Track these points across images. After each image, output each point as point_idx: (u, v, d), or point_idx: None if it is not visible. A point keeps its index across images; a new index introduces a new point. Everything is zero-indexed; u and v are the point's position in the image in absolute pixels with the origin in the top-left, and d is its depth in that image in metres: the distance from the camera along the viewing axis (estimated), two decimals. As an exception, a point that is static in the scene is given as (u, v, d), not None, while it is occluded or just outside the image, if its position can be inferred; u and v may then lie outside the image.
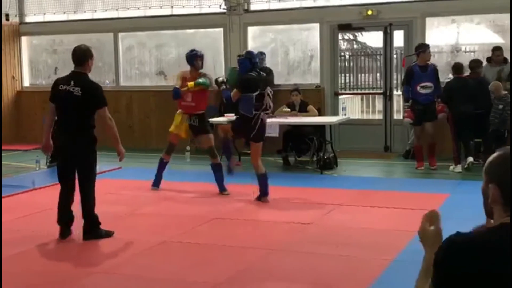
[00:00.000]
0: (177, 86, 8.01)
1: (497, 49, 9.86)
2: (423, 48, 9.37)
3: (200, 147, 8.84)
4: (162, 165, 8.29)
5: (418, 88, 9.25)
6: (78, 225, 6.25)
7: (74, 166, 5.92)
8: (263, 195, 7.40)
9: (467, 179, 8.37)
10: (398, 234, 5.91)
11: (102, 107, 5.83)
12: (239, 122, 7.61)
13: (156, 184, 8.23)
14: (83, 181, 5.95)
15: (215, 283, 4.74)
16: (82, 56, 5.89)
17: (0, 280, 4.48)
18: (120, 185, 8.59)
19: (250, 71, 7.41)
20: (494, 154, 1.96)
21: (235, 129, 7.64)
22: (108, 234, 6.03)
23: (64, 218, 5.98)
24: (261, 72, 7.67)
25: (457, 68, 9.47)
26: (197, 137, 8.40)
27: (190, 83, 7.86)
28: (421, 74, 9.26)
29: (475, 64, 9.59)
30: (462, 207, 6.37)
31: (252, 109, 7.30)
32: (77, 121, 5.81)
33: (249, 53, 7.67)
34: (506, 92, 9.37)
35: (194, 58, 8.18)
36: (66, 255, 5.63)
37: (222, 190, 7.91)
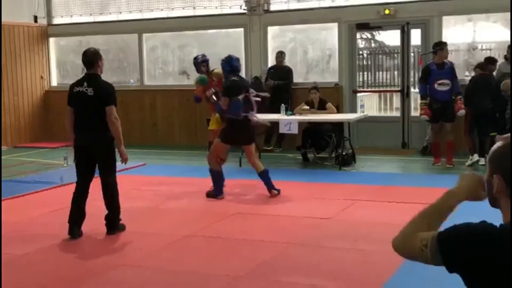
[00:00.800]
0: (196, 93, 8.37)
1: None
2: (440, 46, 9.27)
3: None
4: (216, 175, 8.15)
5: (436, 85, 9.14)
6: (93, 222, 6.31)
7: (94, 164, 5.97)
8: (271, 188, 7.39)
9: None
10: (416, 228, 5.87)
11: (109, 105, 5.84)
12: (229, 129, 7.47)
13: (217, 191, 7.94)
14: (106, 176, 6.02)
15: (236, 275, 4.76)
16: (91, 58, 5.99)
17: (0, 279, 4.53)
18: (144, 181, 8.64)
19: (232, 75, 7.46)
20: (499, 143, 1.89)
21: (227, 139, 7.49)
22: (123, 228, 6.10)
23: (77, 217, 5.98)
24: (241, 76, 7.78)
25: (481, 65, 9.40)
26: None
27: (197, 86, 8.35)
28: (438, 71, 9.16)
29: (485, 62, 9.54)
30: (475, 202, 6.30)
31: (241, 111, 7.29)
32: (92, 120, 5.88)
33: (228, 57, 7.68)
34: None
35: (197, 65, 8.38)
36: (92, 248, 5.69)
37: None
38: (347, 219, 6.39)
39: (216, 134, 8.19)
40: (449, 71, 9.22)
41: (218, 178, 7.48)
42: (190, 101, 12.48)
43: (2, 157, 9.90)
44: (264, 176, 7.44)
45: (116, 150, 6.02)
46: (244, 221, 6.46)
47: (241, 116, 7.29)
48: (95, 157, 5.94)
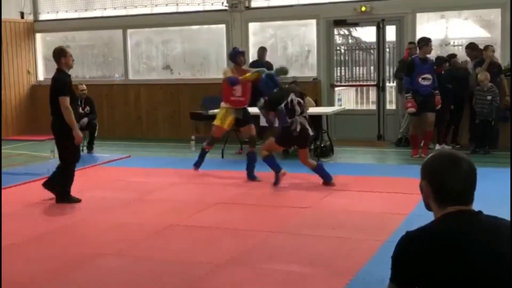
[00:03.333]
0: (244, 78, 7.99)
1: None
2: (425, 42, 9.30)
3: (241, 136, 9.06)
4: (203, 153, 8.49)
5: (420, 79, 9.19)
6: (78, 213, 6.28)
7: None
8: (328, 180, 7.46)
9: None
10: (391, 216, 5.93)
11: (60, 96, 6.42)
12: (282, 135, 7.50)
13: (197, 164, 8.46)
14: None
15: (218, 263, 4.76)
16: (53, 56, 6.69)
17: (0, 278, 4.48)
18: (129, 172, 8.60)
19: (274, 89, 7.51)
20: (430, 155, 2.08)
21: (282, 143, 7.60)
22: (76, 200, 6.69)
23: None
24: (281, 85, 7.65)
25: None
26: (241, 128, 8.50)
27: (248, 74, 7.91)
28: (422, 66, 9.20)
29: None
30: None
31: (286, 118, 7.27)
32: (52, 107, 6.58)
33: (270, 75, 7.67)
34: (492, 84, 9.39)
35: (236, 55, 8.13)
36: (77, 238, 5.64)
37: (252, 177, 7.85)
38: (325, 208, 6.41)
39: (220, 130, 8.14)
40: (431, 66, 9.27)
41: (271, 159, 7.57)
42: (173, 95, 12.47)
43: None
44: (320, 170, 7.48)
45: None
46: (226, 211, 6.46)
47: (288, 122, 7.26)
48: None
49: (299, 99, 7.32)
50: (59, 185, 6.70)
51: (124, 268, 4.79)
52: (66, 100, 6.37)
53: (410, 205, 6.17)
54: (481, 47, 10.00)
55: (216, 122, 8.27)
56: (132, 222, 6.05)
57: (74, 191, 7.17)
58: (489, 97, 9.28)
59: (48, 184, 6.83)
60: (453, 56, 10.11)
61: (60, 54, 6.56)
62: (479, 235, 1.88)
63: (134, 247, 5.28)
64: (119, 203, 6.76)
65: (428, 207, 2.05)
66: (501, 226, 1.95)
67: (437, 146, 9.83)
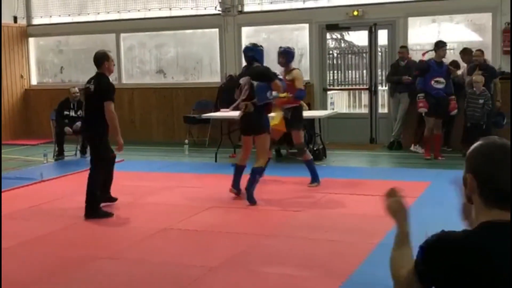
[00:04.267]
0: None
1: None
2: (439, 45, 9.32)
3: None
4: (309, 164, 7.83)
5: (432, 82, 9.22)
6: (72, 216, 6.26)
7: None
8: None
9: (449, 169, 8.39)
10: (383, 219, 5.86)
11: (106, 100, 6.32)
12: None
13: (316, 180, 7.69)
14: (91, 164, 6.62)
15: (211, 266, 4.76)
16: (96, 60, 6.55)
17: (0, 277, 4.47)
18: (123, 176, 8.54)
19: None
20: (477, 143, 1.84)
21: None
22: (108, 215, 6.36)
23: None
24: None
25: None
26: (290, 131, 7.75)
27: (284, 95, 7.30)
28: (437, 69, 9.24)
29: None
30: (441, 194, 6.37)
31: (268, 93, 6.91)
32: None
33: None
34: (484, 87, 9.43)
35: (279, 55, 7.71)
36: (71, 241, 5.63)
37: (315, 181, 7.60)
38: (318, 211, 6.43)
39: (274, 133, 7.63)
40: (446, 71, 9.30)
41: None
42: (167, 98, 12.46)
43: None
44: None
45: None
46: (219, 214, 6.46)
47: (270, 99, 6.97)
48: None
49: (252, 82, 6.79)
50: (87, 192, 6.38)
51: (117, 271, 4.79)
52: (112, 105, 6.34)
53: (402, 208, 6.18)
54: (473, 50, 10.05)
55: (271, 124, 7.81)
56: (125, 226, 6.04)
57: (67, 195, 7.16)
58: (481, 101, 9.31)
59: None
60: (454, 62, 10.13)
61: (103, 58, 6.48)
62: None
63: (128, 250, 5.27)
64: (111, 207, 6.75)
65: (470, 199, 1.84)
66: None
67: (412, 147, 10.07)
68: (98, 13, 12.88)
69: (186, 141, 10.86)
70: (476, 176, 1.78)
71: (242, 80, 6.88)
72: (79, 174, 8.91)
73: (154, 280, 4.54)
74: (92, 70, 6.74)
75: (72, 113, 10.41)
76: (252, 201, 6.69)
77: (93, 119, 6.41)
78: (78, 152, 10.52)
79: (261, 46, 7.14)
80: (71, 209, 6.69)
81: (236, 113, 10.10)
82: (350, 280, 4.40)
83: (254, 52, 6.92)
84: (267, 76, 6.84)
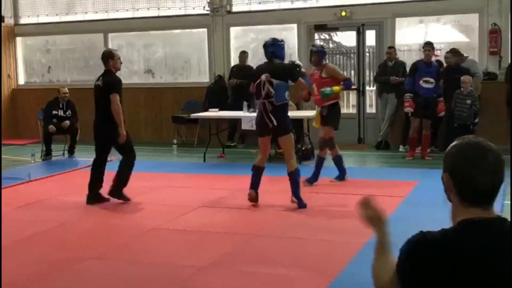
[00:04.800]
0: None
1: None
2: (426, 46, 9.36)
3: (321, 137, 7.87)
4: (319, 162, 7.81)
5: (421, 82, 9.25)
6: (61, 216, 6.24)
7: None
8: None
9: (436, 168, 8.45)
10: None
11: (113, 93, 6.73)
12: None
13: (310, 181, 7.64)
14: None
15: (201, 266, 4.76)
16: (102, 58, 7.01)
17: (0, 278, 4.45)
18: (111, 176, 8.49)
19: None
20: (452, 143, 1.86)
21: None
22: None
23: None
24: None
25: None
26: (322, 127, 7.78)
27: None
28: (425, 69, 9.27)
29: None
30: (429, 193, 6.42)
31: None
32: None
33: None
34: (472, 88, 9.50)
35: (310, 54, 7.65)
36: (61, 241, 5.61)
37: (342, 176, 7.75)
38: (307, 211, 6.45)
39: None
40: (435, 71, 9.35)
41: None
42: (155, 98, 12.44)
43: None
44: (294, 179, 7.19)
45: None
46: (209, 214, 6.46)
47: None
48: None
49: (271, 79, 6.42)
50: (119, 180, 6.83)
51: (107, 271, 4.78)
52: (117, 97, 6.73)
53: (391, 208, 6.21)
54: (462, 51, 10.13)
55: (313, 124, 7.97)
56: (114, 226, 6.03)
57: (55, 195, 7.14)
58: (468, 101, 9.38)
59: (116, 194, 6.86)
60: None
61: (108, 57, 6.92)
62: (499, 256, 1.71)
63: (117, 250, 5.27)
64: (101, 207, 6.73)
65: (450, 200, 1.86)
66: None
67: (401, 148, 10.12)
68: (86, 13, 12.82)
69: (175, 141, 10.84)
70: (452, 175, 1.80)
71: (263, 76, 6.45)
72: (67, 174, 8.89)
73: (143, 280, 4.53)
74: (78, 70, 6.76)
75: (61, 113, 10.38)
76: (302, 205, 6.44)
77: (105, 116, 6.72)
78: (65, 152, 10.48)
79: (282, 40, 6.73)
80: (59, 209, 6.66)
81: (224, 113, 10.14)
82: (338, 280, 4.42)
83: (274, 48, 6.55)
84: (290, 74, 6.54)
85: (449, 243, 1.74)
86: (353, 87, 7.55)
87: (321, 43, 12.79)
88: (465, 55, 10.01)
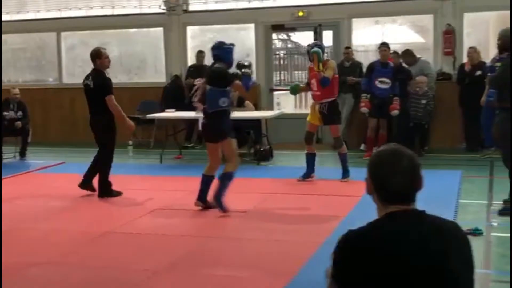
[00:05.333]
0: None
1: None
2: (382, 46, 9.47)
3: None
4: (309, 157, 7.90)
5: (376, 82, 9.35)
6: (16, 214, 6.07)
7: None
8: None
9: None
10: (328, 219, 6.00)
11: (107, 95, 6.97)
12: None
13: (306, 175, 7.84)
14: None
15: (155, 270, 4.69)
16: (90, 57, 7.20)
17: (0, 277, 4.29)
18: (63, 179, 8.37)
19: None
20: (377, 150, 2.08)
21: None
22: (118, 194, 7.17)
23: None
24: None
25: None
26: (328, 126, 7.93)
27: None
28: (381, 70, 9.37)
29: None
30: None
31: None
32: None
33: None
34: (427, 88, 9.66)
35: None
36: (10, 247, 5.43)
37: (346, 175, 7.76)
38: (264, 212, 6.43)
39: (311, 126, 7.86)
40: (391, 71, 9.44)
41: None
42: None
43: None
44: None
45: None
46: (164, 216, 6.38)
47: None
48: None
49: (205, 85, 6.28)
50: (99, 178, 7.14)
51: (57, 276, 4.66)
52: (112, 98, 6.99)
53: (347, 207, 6.26)
54: (416, 52, 10.28)
55: (308, 118, 7.92)
56: (66, 230, 5.89)
57: (6, 199, 6.93)
58: (423, 101, 9.55)
59: (84, 184, 7.27)
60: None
61: (95, 56, 7.12)
62: (418, 235, 1.89)
63: (69, 255, 5.14)
64: (52, 211, 6.58)
65: (374, 200, 2.06)
66: (442, 225, 1.96)
67: (362, 146, 10.24)
68: (38, 11, 12.57)
69: (130, 142, 10.70)
70: (372, 178, 2.00)
71: (197, 82, 6.45)
72: (18, 177, 8.66)
73: (95, 285, 4.43)
74: (30, 70, 6.58)
75: (12, 114, 10.12)
76: (223, 208, 6.18)
77: (98, 112, 7.05)
78: (17, 155, 10.22)
79: (231, 44, 6.50)
80: (9, 213, 6.47)
81: (181, 114, 10.03)
82: (296, 280, 4.41)
83: (219, 51, 6.33)
84: (222, 79, 6.25)
85: (377, 230, 1.94)
86: (324, 86, 7.57)
87: (279, 43, 12.86)
88: (417, 56, 10.17)
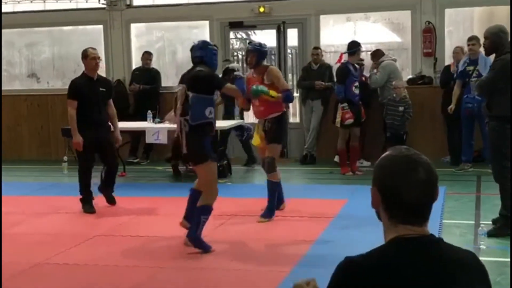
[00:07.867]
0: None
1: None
2: (358, 47, 9.44)
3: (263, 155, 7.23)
4: (271, 189, 7.18)
5: (353, 88, 9.32)
6: None
7: None
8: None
9: (366, 184, 8.63)
10: (296, 244, 6.00)
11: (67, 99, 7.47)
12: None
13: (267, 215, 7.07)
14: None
15: (96, 307, 4.61)
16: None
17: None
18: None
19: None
20: (383, 154, 1.92)
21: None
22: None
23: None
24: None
25: None
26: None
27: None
28: (355, 73, 9.39)
29: None
30: (360, 212, 6.52)
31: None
32: None
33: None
34: (405, 93, 9.79)
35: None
36: None
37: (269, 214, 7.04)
38: (222, 236, 6.40)
39: (260, 151, 7.33)
40: (360, 74, 9.54)
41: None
42: (41, 107, 12.09)
43: None
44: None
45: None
46: (105, 244, 6.30)
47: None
48: None
49: (188, 92, 5.86)
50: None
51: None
52: (69, 104, 7.36)
53: (316, 231, 6.28)
54: (392, 52, 10.45)
55: (253, 141, 7.43)
56: (-11, 262, 5.74)
57: None
58: (401, 108, 9.66)
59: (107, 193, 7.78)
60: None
61: (82, 56, 7.48)
62: (437, 275, 1.78)
63: (-8, 292, 5.01)
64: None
65: (379, 216, 1.93)
66: (465, 259, 1.87)
67: (336, 158, 10.24)
68: (-45, 6, 12.34)
69: (65, 158, 10.52)
70: (380, 190, 1.87)
71: (177, 89, 5.99)
72: None
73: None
74: None
75: None
76: (205, 248, 5.82)
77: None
78: None
79: (215, 45, 6.24)
80: None
81: (125, 125, 9.94)
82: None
83: (203, 52, 5.95)
84: (209, 83, 5.87)
85: (377, 263, 1.80)
86: (290, 102, 7.36)
87: (238, 43, 12.90)
88: (390, 57, 10.25)
